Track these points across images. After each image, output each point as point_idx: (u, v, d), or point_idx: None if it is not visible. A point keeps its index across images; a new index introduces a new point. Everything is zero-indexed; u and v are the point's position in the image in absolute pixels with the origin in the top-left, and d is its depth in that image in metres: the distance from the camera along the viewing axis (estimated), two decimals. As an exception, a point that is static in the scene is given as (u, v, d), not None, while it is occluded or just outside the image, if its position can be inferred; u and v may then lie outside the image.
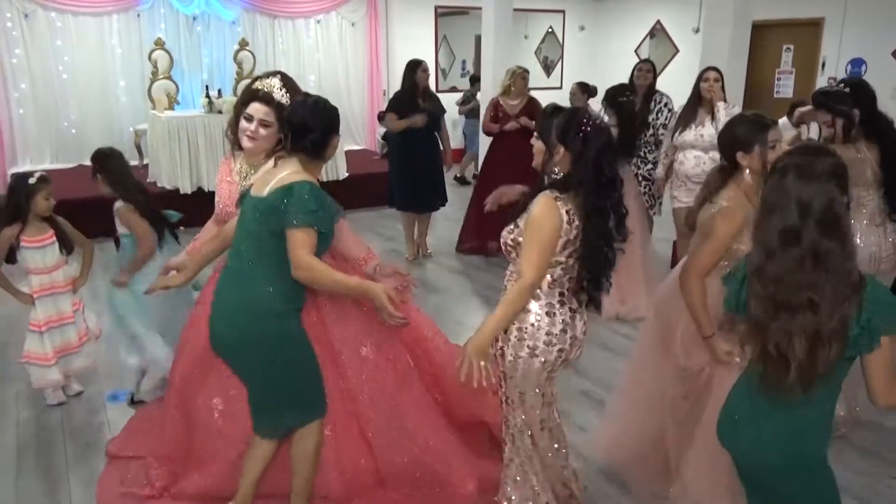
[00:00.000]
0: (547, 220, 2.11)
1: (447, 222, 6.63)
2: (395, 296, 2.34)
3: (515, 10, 7.90)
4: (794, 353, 1.65)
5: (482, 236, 6.19)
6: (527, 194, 2.28)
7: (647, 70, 5.55)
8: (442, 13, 11.12)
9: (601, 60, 11.79)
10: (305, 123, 2.26)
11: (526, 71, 6.07)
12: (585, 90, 6.54)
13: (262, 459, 2.51)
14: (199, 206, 4.68)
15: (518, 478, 2.47)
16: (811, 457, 1.79)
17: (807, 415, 1.76)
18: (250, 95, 2.68)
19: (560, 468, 2.53)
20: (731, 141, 2.46)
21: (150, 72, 8.30)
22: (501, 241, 2.29)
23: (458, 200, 7.20)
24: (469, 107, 9.80)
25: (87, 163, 8.48)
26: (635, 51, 11.44)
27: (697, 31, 10.18)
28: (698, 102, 4.71)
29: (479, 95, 9.72)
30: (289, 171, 2.25)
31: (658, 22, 11.13)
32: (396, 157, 5.98)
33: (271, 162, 2.42)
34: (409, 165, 5.83)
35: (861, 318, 1.64)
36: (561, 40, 12.19)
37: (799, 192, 1.66)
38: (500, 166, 5.97)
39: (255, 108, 2.61)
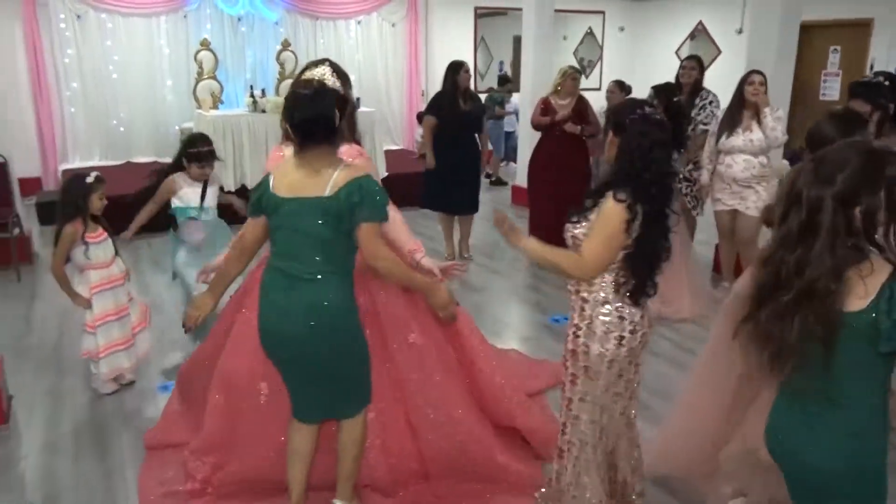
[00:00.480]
0: (617, 214, 2.13)
1: (485, 222, 6.64)
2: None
3: (555, 10, 7.89)
4: (785, 333, 1.63)
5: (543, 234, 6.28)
6: (595, 189, 2.29)
7: (692, 67, 5.50)
8: (481, 14, 11.15)
9: (641, 62, 11.71)
10: (323, 116, 2.24)
11: (578, 72, 6.06)
12: (622, 88, 6.51)
13: (308, 454, 2.55)
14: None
15: (580, 477, 2.46)
16: (866, 459, 1.74)
17: (854, 415, 1.70)
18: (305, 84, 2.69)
19: (627, 471, 2.54)
20: (823, 139, 2.43)
21: (196, 72, 8.47)
22: (567, 234, 2.31)
23: (495, 200, 7.24)
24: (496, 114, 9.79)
25: (135, 160, 8.80)
26: (676, 52, 11.33)
27: (740, 31, 10.05)
28: (742, 106, 4.64)
29: (515, 97, 9.75)
30: (342, 167, 2.27)
31: (700, 23, 11.00)
32: (436, 159, 5.88)
33: (288, 161, 2.37)
34: (447, 166, 5.77)
35: (892, 312, 1.56)
36: (600, 41, 12.13)
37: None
38: (545, 167, 5.99)
39: None
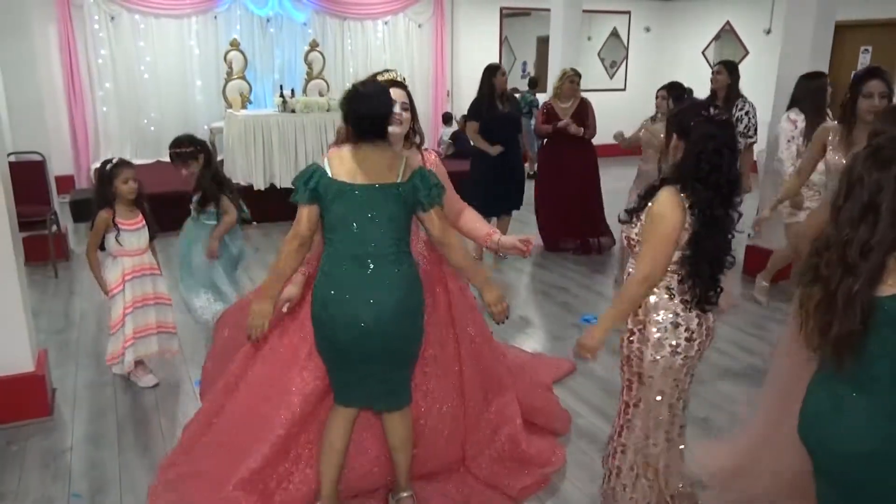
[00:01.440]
0: (669, 213, 2.12)
1: (516, 224, 6.66)
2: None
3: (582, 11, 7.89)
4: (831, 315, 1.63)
5: (552, 235, 6.36)
6: (646, 189, 2.29)
7: (717, 72, 5.40)
8: (506, 14, 11.16)
9: (666, 62, 11.65)
10: (386, 109, 2.37)
11: (576, 73, 6.10)
12: (673, 89, 6.43)
13: (342, 450, 2.56)
14: (271, 202, 4.84)
15: (633, 481, 2.46)
16: None
17: (888, 399, 1.67)
18: (389, 83, 2.72)
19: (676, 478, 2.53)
20: (880, 131, 2.42)
21: (226, 72, 8.59)
22: (623, 235, 2.32)
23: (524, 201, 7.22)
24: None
25: (165, 159, 8.91)
26: (703, 52, 11.26)
27: (769, 32, 9.98)
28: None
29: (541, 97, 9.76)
30: (403, 157, 2.42)
31: (727, 23, 10.93)
32: (480, 162, 5.92)
33: (343, 152, 2.40)
34: (491, 168, 5.82)
35: None
36: (625, 42, 12.08)
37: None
38: (553, 168, 6.23)
39: (397, 94, 2.66)
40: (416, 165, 2.41)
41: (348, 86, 2.45)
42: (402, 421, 2.55)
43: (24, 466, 3.09)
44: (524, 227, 6.69)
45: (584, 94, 6.22)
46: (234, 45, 8.60)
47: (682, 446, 2.49)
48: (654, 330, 2.23)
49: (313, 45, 8.99)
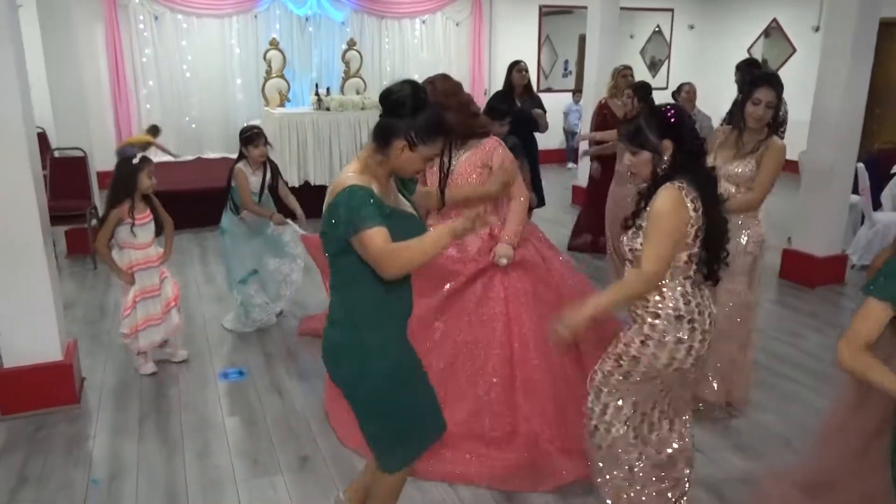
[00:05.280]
0: (672, 212, 2.11)
1: (545, 223, 6.59)
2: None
3: (622, 8, 7.76)
4: None
5: (597, 233, 6.25)
6: (642, 193, 2.26)
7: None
8: (546, 12, 11.06)
9: (710, 61, 11.38)
10: (390, 103, 1.99)
11: (628, 69, 5.97)
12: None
13: None
14: (304, 199, 4.88)
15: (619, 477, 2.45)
16: None
17: None
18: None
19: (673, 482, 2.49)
20: None
21: (265, 70, 8.72)
22: (626, 247, 2.28)
23: (558, 201, 7.17)
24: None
25: (205, 156, 9.11)
26: (748, 50, 10.97)
27: (818, 29, 9.67)
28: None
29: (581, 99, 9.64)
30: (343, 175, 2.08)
31: (774, 20, 10.62)
32: None
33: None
34: None
35: None
36: (668, 40, 11.86)
37: None
38: (608, 169, 5.99)
39: None
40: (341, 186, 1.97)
41: (385, 84, 2.39)
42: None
43: (50, 452, 3.20)
44: (555, 226, 6.61)
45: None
46: (274, 44, 8.71)
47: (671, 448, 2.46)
48: (674, 336, 2.23)
49: (351, 44, 9.06)
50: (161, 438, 3.32)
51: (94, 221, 6.05)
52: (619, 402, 2.35)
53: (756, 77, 3.35)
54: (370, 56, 9.68)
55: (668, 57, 11.91)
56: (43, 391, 3.50)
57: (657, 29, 11.81)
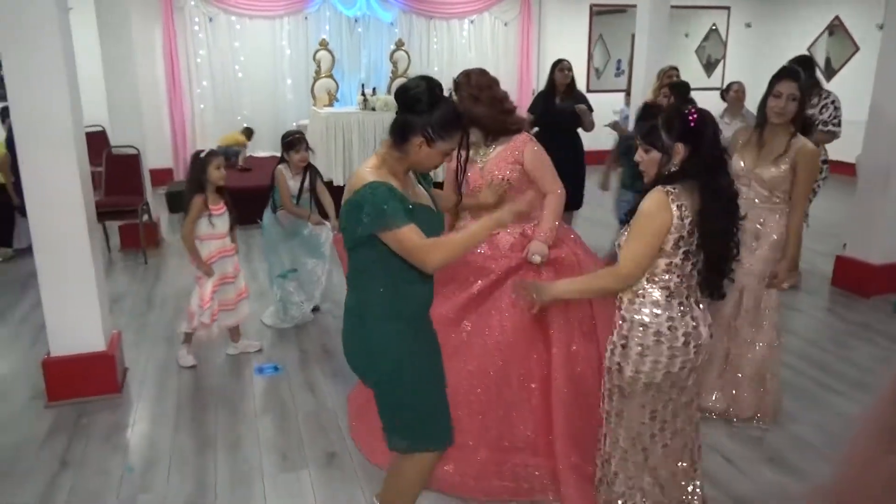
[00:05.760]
0: (656, 214, 2.07)
1: (590, 225, 6.52)
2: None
3: (676, 7, 7.62)
4: None
5: None
6: (644, 191, 2.22)
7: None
8: (598, 11, 10.93)
9: (768, 60, 11.00)
10: (407, 100, 1.99)
11: (674, 69, 5.84)
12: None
13: None
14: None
15: (624, 492, 2.40)
16: None
17: None
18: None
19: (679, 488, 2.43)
20: None
21: (314, 70, 8.86)
22: (616, 244, 2.27)
23: (607, 203, 7.03)
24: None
25: (256, 154, 9.32)
26: (808, 49, 10.60)
27: (882, 27, 9.27)
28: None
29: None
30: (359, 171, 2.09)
31: (836, 17, 10.24)
32: None
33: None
34: None
35: None
36: (724, 38, 11.56)
37: None
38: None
39: None
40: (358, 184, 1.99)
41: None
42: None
43: (90, 438, 3.32)
44: (596, 227, 6.51)
45: None
46: (323, 44, 8.85)
47: (681, 463, 2.38)
48: (636, 345, 2.17)
49: (399, 45, 9.13)
50: (195, 430, 3.41)
51: (145, 217, 6.26)
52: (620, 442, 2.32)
53: (778, 71, 3.23)
54: (418, 56, 9.74)
55: (724, 56, 11.60)
56: (86, 380, 3.64)
57: (713, 27, 11.53)
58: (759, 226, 3.27)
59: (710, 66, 11.70)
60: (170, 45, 8.82)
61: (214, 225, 3.92)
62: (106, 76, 6.38)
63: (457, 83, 3.01)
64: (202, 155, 3.89)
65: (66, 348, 3.62)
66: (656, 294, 2.15)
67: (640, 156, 2.21)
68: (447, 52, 10.09)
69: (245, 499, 2.88)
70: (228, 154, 8.07)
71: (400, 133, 2.00)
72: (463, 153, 2.13)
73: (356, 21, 9.53)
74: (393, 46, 9.14)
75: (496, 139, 3.05)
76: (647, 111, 4.61)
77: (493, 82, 3.05)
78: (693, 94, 5.89)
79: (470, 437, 2.87)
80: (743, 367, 3.37)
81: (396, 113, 2.03)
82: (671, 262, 2.11)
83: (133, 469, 3.07)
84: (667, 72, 5.73)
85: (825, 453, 3.19)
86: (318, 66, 8.81)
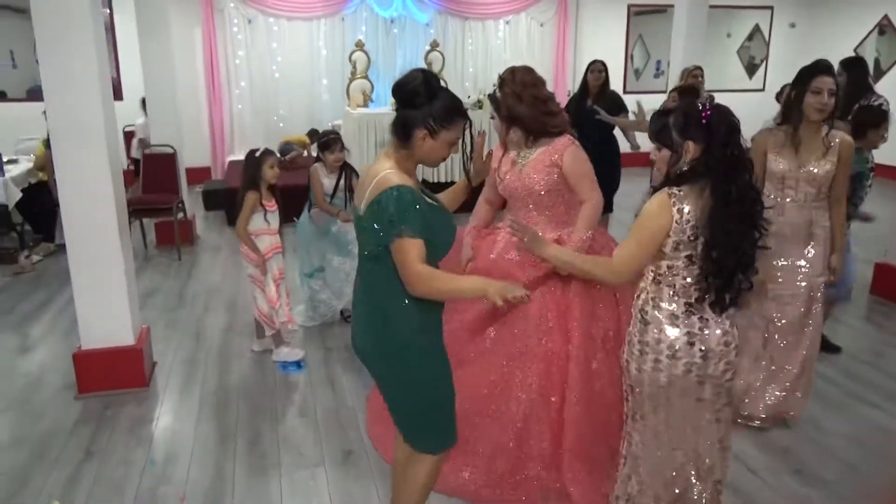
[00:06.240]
0: (654, 216, 2.03)
1: (622, 228, 6.43)
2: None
3: (717, 6, 7.46)
4: None
5: None
6: (649, 193, 2.18)
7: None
8: (638, 12, 10.79)
9: (812, 60, 10.74)
10: (404, 95, 1.98)
11: (699, 69, 5.74)
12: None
13: (398, 464, 2.51)
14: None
15: (637, 494, 2.36)
16: None
17: None
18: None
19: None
20: None
21: (350, 71, 8.94)
22: None
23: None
24: None
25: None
26: (855, 49, 10.29)
27: (934, 26, 8.95)
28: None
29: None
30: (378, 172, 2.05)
31: (885, 16, 9.91)
32: None
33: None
34: None
35: None
36: (767, 38, 11.29)
37: None
38: None
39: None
40: (385, 185, 1.95)
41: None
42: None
43: (115, 430, 3.41)
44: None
45: (714, 95, 5.85)
46: (359, 45, 8.92)
47: (697, 482, 2.30)
48: (637, 343, 2.15)
49: (434, 45, 9.15)
50: (217, 424, 3.47)
51: (180, 215, 6.40)
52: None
53: (812, 67, 3.13)
54: (452, 57, 9.74)
55: (766, 57, 11.33)
56: (115, 373, 3.74)
57: (756, 27, 11.27)
58: (812, 227, 3.24)
59: (752, 68, 11.44)
60: (210, 47, 8.99)
61: (269, 222, 4.03)
62: (145, 78, 6.54)
63: (501, 79, 2.93)
64: (258, 154, 3.99)
65: (95, 342, 3.72)
66: (663, 293, 2.12)
67: (653, 153, 2.17)
68: (482, 54, 10.07)
69: (261, 493, 2.92)
70: (284, 151, 8.21)
71: (403, 129, 1.99)
72: (468, 142, 2.11)
73: (392, 22, 9.58)
74: (428, 47, 9.17)
75: (537, 140, 2.94)
76: (663, 112, 4.53)
77: (539, 81, 2.94)
78: (732, 97, 5.79)
79: (488, 445, 2.85)
80: (787, 367, 3.34)
81: (396, 111, 2.02)
82: (672, 265, 2.07)
83: (155, 461, 3.14)
84: (691, 71, 5.64)
85: (854, 466, 3.09)
86: (354, 67, 8.88)
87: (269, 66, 9.30)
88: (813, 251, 3.25)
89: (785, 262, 3.25)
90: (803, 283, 3.26)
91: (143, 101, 7.31)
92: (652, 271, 2.13)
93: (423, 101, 1.95)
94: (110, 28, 8.66)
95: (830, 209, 3.23)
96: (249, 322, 4.57)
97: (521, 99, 2.85)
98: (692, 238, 2.01)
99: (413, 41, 9.72)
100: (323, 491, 2.94)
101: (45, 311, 5.00)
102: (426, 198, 2.05)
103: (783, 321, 3.30)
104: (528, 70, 2.97)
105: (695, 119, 2.01)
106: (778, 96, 5.89)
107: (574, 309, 2.86)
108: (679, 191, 2.02)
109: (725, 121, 2.00)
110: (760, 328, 3.34)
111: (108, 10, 8.63)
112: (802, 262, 3.25)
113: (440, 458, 2.29)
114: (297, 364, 4.09)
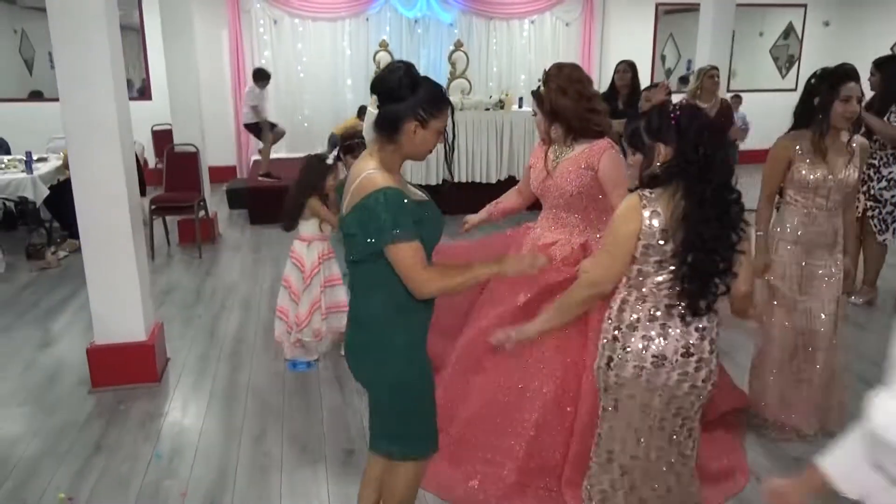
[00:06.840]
0: (623, 220, 1.99)
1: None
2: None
3: (749, 4, 7.30)
4: None
5: None
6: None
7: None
8: (667, 10, 10.65)
9: (846, 60, 10.45)
10: (387, 89, 1.93)
11: (715, 69, 5.64)
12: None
13: (370, 479, 2.49)
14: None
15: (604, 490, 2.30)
16: None
17: None
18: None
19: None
20: None
21: (374, 71, 8.96)
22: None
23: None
24: None
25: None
26: (892, 48, 10.00)
27: (973, 24, 8.66)
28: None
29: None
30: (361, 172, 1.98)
31: (923, 14, 9.64)
32: None
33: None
34: None
35: None
36: (800, 37, 11.05)
37: None
38: None
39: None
40: (370, 187, 1.91)
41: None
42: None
43: (126, 424, 3.47)
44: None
45: (745, 94, 5.76)
46: (383, 45, 8.94)
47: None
48: (603, 338, 2.13)
49: (458, 45, 9.11)
50: (224, 421, 3.51)
51: (202, 213, 6.49)
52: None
53: (839, 73, 3.03)
54: (476, 57, 9.72)
55: (799, 56, 11.09)
56: (127, 368, 3.80)
57: (789, 26, 11.04)
58: (837, 235, 3.17)
59: (784, 67, 11.21)
60: (236, 47, 9.12)
61: (323, 229, 4.03)
62: (169, 78, 6.65)
63: (547, 73, 2.87)
64: (328, 162, 4.01)
65: (109, 337, 3.79)
66: (632, 296, 2.07)
67: (630, 158, 2.13)
68: (506, 54, 10.04)
69: (262, 489, 2.95)
70: (334, 142, 8.23)
71: (390, 125, 1.93)
72: (450, 132, 2.06)
73: (416, 22, 9.60)
74: (452, 47, 9.14)
75: (576, 140, 2.85)
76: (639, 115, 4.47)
77: (585, 79, 2.87)
78: (764, 97, 5.68)
79: (499, 454, 2.83)
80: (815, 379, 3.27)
81: (378, 108, 1.98)
82: (642, 269, 2.02)
83: (161, 456, 3.19)
84: (707, 72, 5.54)
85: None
86: (378, 67, 8.90)
87: (295, 66, 9.39)
88: (840, 257, 3.20)
89: (821, 271, 3.16)
90: (833, 293, 3.18)
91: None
92: (626, 275, 2.09)
93: (407, 93, 1.91)
94: (140, 29, 8.84)
95: (844, 214, 3.16)
96: (264, 320, 4.61)
97: (566, 93, 2.77)
98: (662, 242, 1.96)
99: (437, 41, 9.73)
100: (322, 488, 2.95)
101: (66, 307, 5.11)
102: (412, 193, 2.02)
103: (813, 331, 3.22)
104: (575, 66, 2.92)
105: (664, 121, 1.96)
106: None
107: (592, 319, 2.79)
108: (651, 193, 1.97)
109: (696, 120, 1.95)
110: (778, 341, 3.25)
111: (139, 12, 8.81)
112: (834, 270, 3.18)
113: (422, 467, 2.26)
114: (307, 363, 4.12)
